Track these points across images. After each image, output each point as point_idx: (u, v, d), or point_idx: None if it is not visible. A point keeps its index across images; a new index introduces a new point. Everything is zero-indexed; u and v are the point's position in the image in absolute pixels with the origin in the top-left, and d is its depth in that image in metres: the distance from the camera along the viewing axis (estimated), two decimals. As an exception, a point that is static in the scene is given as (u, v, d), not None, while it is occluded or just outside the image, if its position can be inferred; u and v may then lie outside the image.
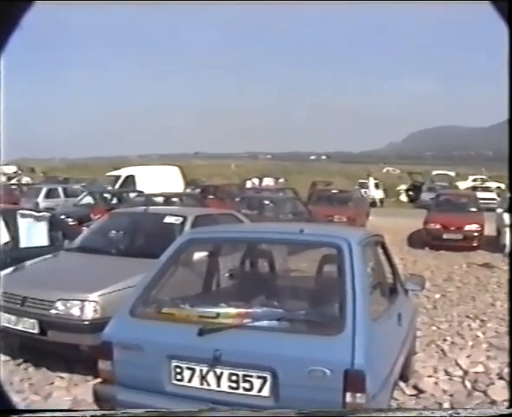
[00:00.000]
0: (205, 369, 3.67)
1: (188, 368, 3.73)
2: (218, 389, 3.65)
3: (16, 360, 6.50)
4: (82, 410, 4.89)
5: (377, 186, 40.82)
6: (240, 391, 3.60)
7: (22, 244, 8.62)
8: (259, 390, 3.56)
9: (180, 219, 7.61)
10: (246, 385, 3.59)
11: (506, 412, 3.30)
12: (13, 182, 57.14)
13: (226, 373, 3.63)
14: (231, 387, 3.62)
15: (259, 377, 3.55)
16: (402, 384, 5.80)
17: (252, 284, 5.12)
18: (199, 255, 5.25)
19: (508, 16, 2.29)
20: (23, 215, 8.90)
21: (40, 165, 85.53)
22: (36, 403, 5.44)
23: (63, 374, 6.11)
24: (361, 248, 4.09)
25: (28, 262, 7.39)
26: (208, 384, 3.68)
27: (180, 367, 3.76)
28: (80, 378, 6.02)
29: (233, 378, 3.62)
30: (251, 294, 4.54)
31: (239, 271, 5.43)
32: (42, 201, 24.41)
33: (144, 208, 9.00)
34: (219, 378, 3.65)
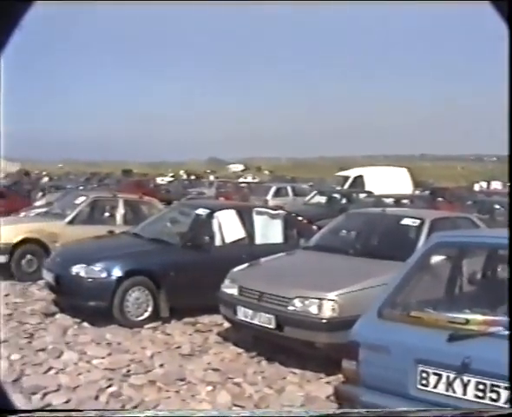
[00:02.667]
0: (452, 376, 3.72)
1: (435, 374, 3.80)
2: (463, 397, 3.68)
3: (250, 353, 7.00)
4: (81, 410, 5.11)
5: None
6: (487, 401, 3.60)
7: (258, 241, 9.20)
8: (506, 401, 3.52)
9: (418, 221, 7.60)
10: (493, 395, 3.58)
11: (506, 412, 3.26)
12: (241, 179, 60.94)
13: (473, 381, 3.65)
14: (477, 396, 3.63)
15: (506, 388, 3.52)
16: None
17: (495, 291, 5.00)
18: (439, 259, 5.26)
19: (508, 16, 2.28)
20: (259, 213, 9.50)
21: (266, 164, 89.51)
22: (269, 396, 5.81)
23: (296, 370, 6.43)
24: None
25: (263, 259, 7.85)
26: (454, 391, 3.72)
27: (426, 372, 3.84)
28: (312, 375, 6.31)
29: (480, 387, 3.62)
30: (495, 301, 4.45)
31: (480, 277, 5.36)
32: (271, 199, 25.40)
33: (381, 209, 9.15)
34: (465, 386, 3.67)
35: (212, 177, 66.49)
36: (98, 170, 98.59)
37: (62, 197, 17.31)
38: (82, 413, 3.50)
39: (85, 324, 8.04)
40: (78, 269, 8.22)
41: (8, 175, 72.60)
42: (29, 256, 11.25)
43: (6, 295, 9.57)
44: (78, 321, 8.12)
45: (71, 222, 11.67)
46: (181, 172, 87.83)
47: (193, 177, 69.07)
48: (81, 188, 33.43)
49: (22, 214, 16.17)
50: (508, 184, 38.07)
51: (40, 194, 26.42)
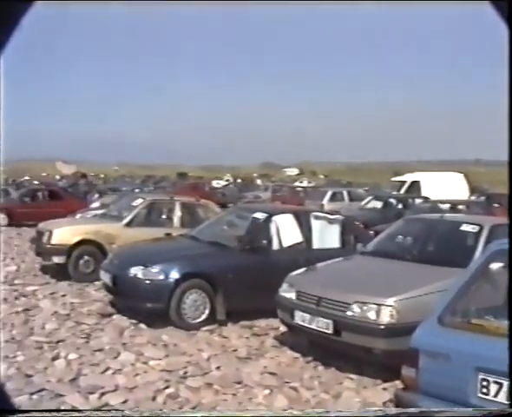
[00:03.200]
0: None
1: (495, 382, 3.76)
2: None
3: (307, 358, 7.02)
4: (82, 410, 5.09)
5: None
6: None
7: (315, 245, 9.22)
8: None
9: (477, 228, 7.50)
10: None
11: (506, 412, 3.14)
12: (297, 184, 61.02)
13: None
14: None
15: None
16: None
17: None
18: (499, 266, 5.19)
19: (508, 16, 2.28)
20: (317, 217, 9.52)
21: (321, 168, 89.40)
22: (326, 401, 5.82)
23: (353, 376, 6.44)
24: None
25: (321, 264, 7.85)
26: None
27: (486, 381, 3.80)
28: (369, 381, 6.30)
29: None
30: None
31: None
32: (326, 203, 25.42)
33: (439, 215, 9.05)
34: None
35: (266, 181, 66.82)
36: (153, 173, 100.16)
37: (118, 199, 17.67)
38: (81, 413, 3.61)
39: (142, 325, 8.20)
40: (136, 271, 8.38)
41: (64, 177, 74.48)
42: (86, 257, 11.52)
43: (63, 296, 9.83)
44: (135, 322, 8.29)
45: (128, 224, 11.89)
46: (227, 176, 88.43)
47: (248, 181, 69.55)
48: (136, 190, 34.05)
49: (79, 215, 16.58)
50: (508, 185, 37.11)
51: (96, 196, 27.02)
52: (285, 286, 7.38)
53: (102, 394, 5.83)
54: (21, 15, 2.28)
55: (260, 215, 9.38)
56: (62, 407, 5.42)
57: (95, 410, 5.32)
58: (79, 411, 4.77)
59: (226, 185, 59.33)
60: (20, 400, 5.60)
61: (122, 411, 5.39)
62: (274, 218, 9.20)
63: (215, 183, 61.55)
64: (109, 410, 5.49)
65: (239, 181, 73.87)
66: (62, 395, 5.80)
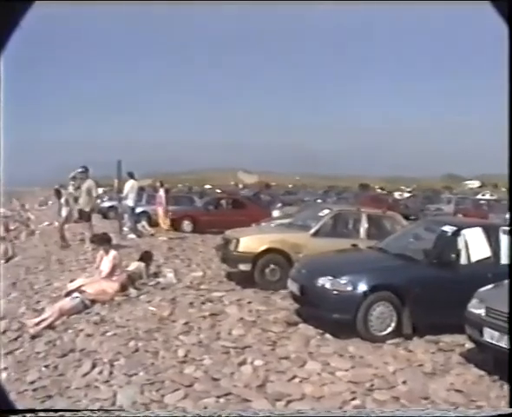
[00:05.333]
0: None
1: None
2: None
3: (493, 377, 6.94)
4: (82, 410, 4.85)
5: None
6: None
7: (504, 261, 8.99)
8: None
9: None
10: None
11: (506, 412, 3.50)
12: (479, 196, 58.75)
13: None
14: None
15: None
16: None
17: None
18: None
19: (508, 16, 2.30)
20: (506, 232, 9.25)
21: (503, 181, 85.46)
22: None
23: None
24: None
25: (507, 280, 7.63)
26: None
27: None
28: None
29: None
30: None
31: None
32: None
33: None
34: None
35: (448, 193, 64.99)
36: (334, 184, 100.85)
37: (302, 209, 18.10)
38: (81, 413, 3.76)
39: (327, 336, 8.41)
40: (324, 281, 8.64)
41: (246, 186, 77.17)
42: (272, 266, 11.97)
43: (249, 303, 10.25)
44: (321, 332, 8.52)
45: (315, 234, 12.22)
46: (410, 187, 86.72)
47: (430, 193, 68.03)
48: (318, 201, 34.56)
49: (263, 224, 17.19)
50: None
51: (279, 205, 27.77)
52: (474, 301, 7.36)
53: (289, 402, 6.08)
54: (21, 15, 2.40)
55: (449, 229, 9.33)
56: (244, 414, 5.66)
57: (95, 410, 5.51)
58: (79, 411, 4.84)
59: (408, 197, 58.44)
60: (206, 403, 6.03)
61: (123, 411, 5.66)
62: (463, 232, 9.16)
63: (397, 195, 60.80)
64: (109, 410, 5.68)
65: (422, 193, 72.41)
66: (248, 400, 6.13)
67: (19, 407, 5.18)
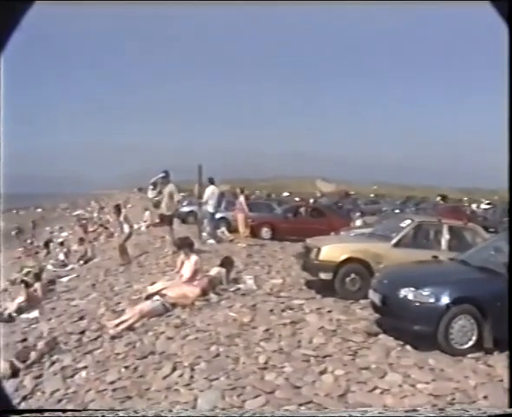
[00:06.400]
0: None
1: None
2: None
3: None
4: (82, 410, 4.72)
5: None
6: None
7: None
8: None
9: None
10: None
11: (506, 412, 3.53)
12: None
13: None
14: None
15: None
16: None
17: None
18: None
19: (508, 16, 2.35)
20: None
21: None
22: None
23: None
24: None
25: None
26: None
27: None
28: None
29: None
30: None
31: None
32: None
33: None
34: None
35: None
36: (412, 194, 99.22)
37: (381, 219, 17.99)
38: (81, 414, 3.75)
39: (408, 347, 8.37)
40: (406, 292, 8.64)
41: (324, 195, 76.85)
42: (352, 275, 12.00)
43: (329, 312, 10.26)
44: (401, 343, 8.48)
45: (396, 245, 12.20)
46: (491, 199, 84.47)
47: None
48: (397, 211, 34.14)
49: (342, 233, 17.17)
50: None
51: (358, 214, 27.62)
52: None
53: (368, 413, 6.11)
54: (21, 15, 2.43)
55: None
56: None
57: (95, 410, 5.52)
58: (79, 411, 4.98)
59: (487, 208, 56.98)
60: (289, 410, 6.13)
61: (123, 411, 5.62)
62: None
63: (474, 206, 59.45)
64: (110, 410, 5.69)
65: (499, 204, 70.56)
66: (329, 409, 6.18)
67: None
